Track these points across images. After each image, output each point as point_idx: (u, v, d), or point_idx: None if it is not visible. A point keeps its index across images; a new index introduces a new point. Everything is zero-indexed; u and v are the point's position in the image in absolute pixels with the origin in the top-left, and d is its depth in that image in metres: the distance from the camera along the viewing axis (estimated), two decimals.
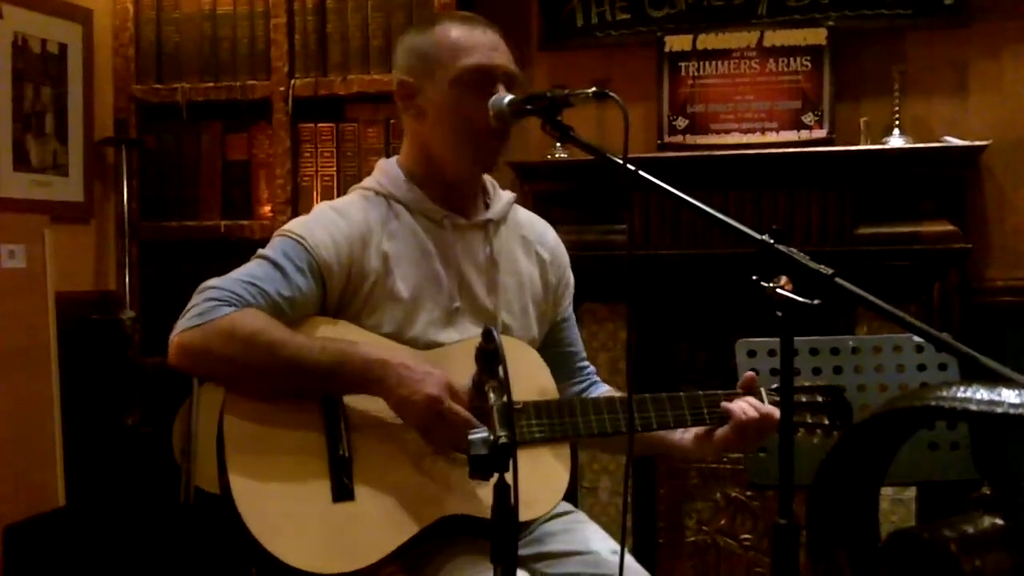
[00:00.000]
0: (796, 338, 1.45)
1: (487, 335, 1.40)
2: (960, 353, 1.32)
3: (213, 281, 1.75)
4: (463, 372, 1.60)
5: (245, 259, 1.83)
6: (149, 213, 3.55)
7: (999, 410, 1.04)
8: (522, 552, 1.84)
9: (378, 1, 3.39)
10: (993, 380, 1.14)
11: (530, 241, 2.05)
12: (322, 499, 1.70)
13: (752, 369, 2.08)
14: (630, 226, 3.32)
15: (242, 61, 3.49)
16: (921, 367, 2.15)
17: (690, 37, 3.38)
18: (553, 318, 2.07)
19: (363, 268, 1.83)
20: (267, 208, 3.48)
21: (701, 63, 3.37)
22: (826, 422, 1.88)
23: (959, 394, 1.07)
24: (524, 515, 1.72)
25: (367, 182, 1.96)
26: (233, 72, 3.50)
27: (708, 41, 3.37)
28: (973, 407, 1.05)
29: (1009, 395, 1.05)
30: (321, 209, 1.90)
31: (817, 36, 3.29)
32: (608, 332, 3.39)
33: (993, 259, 3.29)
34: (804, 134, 3.29)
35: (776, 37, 3.32)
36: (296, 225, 1.85)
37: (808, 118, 3.30)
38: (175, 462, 3.34)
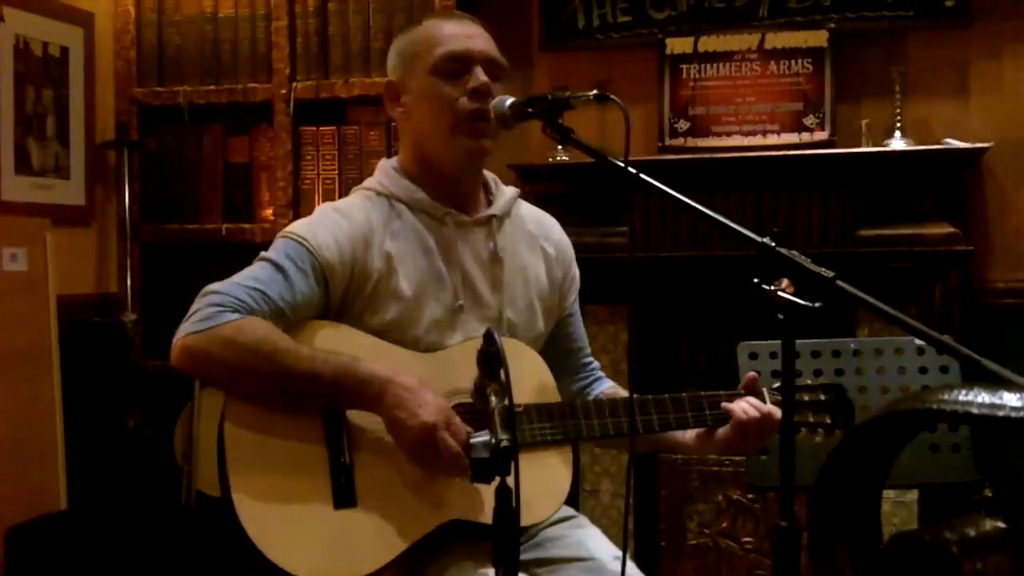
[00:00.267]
0: (797, 340, 1.45)
1: (488, 337, 1.40)
2: (961, 355, 1.32)
3: (216, 285, 1.75)
4: (465, 374, 1.60)
5: (246, 262, 1.82)
6: (150, 216, 3.55)
7: (1000, 413, 1.04)
8: (523, 556, 1.84)
9: (379, 3, 3.39)
10: (994, 383, 1.14)
11: (535, 236, 2.04)
12: (323, 505, 1.70)
13: (754, 371, 2.08)
14: (631, 228, 3.32)
15: (243, 63, 3.50)
16: (922, 369, 2.15)
17: (691, 39, 3.38)
18: (559, 313, 2.07)
19: (366, 268, 1.83)
20: (268, 211, 3.48)
21: (702, 65, 3.38)
22: (828, 421, 1.87)
23: (960, 397, 1.07)
24: (526, 519, 1.72)
25: (368, 182, 1.96)
26: (234, 75, 3.50)
27: (709, 43, 3.37)
28: (975, 410, 1.05)
29: (1011, 398, 1.04)
30: (323, 210, 1.90)
31: (818, 38, 3.29)
32: (609, 334, 3.39)
33: (994, 261, 3.29)
34: (805, 136, 3.29)
35: (777, 39, 3.33)
36: (298, 227, 1.85)
37: (809, 120, 3.30)
38: (176, 464, 3.35)
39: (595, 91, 1.66)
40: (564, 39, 3.54)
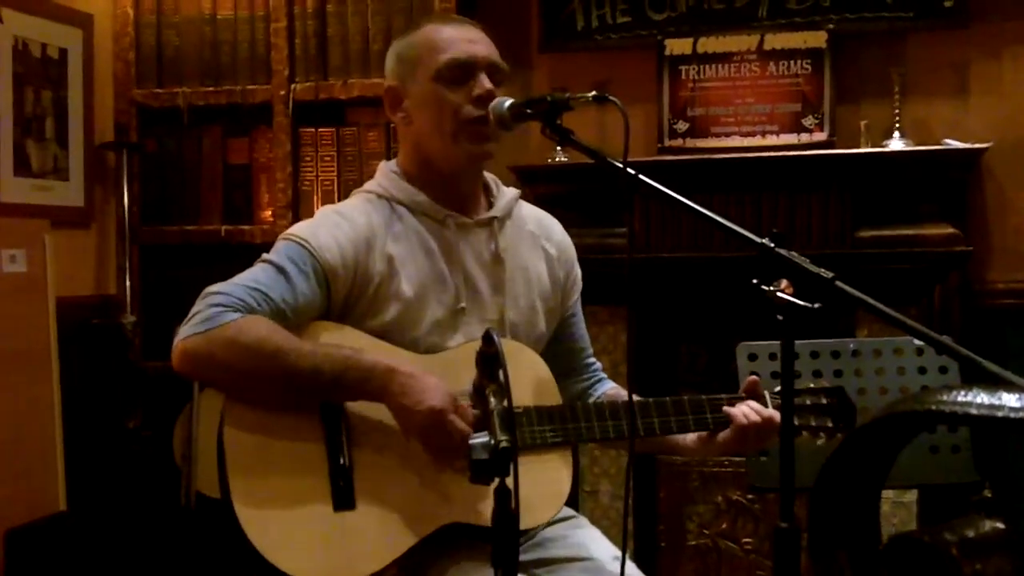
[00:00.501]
0: (797, 341, 1.46)
1: (487, 339, 1.40)
2: (961, 356, 1.32)
3: (217, 286, 1.74)
4: (465, 376, 1.60)
5: (246, 263, 1.82)
6: (150, 217, 3.55)
7: (1000, 414, 1.04)
8: (523, 557, 1.83)
9: (378, 5, 3.39)
10: (994, 383, 1.14)
11: (536, 236, 2.04)
12: (323, 508, 1.70)
13: (753, 372, 2.08)
14: (630, 229, 3.32)
15: (242, 65, 3.49)
16: (922, 370, 2.15)
17: (690, 40, 3.38)
18: (561, 314, 2.07)
19: (368, 271, 1.83)
20: (268, 212, 3.48)
21: (701, 66, 3.38)
22: (830, 424, 1.88)
23: (960, 398, 1.07)
24: (526, 522, 1.72)
25: (369, 185, 1.96)
26: (233, 76, 3.50)
27: (708, 44, 3.37)
28: (974, 411, 1.05)
29: (1010, 399, 1.04)
30: (324, 213, 1.90)
31: (817, 39, 3.29)
32: (609, 335, 3.39)
33: (994, 261, 3.29)
34: (804, 137, 3.29)
35: (776, 40, 3.33)
36: (300, 229, 1.85)
37: (808, 121, 3.30)
38: (176, 466, 3.35)
39: (594, 92, 1.66)
40: (563, 40, 3.54)
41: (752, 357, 2.13)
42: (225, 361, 1.68)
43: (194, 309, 1.73)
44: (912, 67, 3.30)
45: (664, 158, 3.35)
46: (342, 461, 1.72)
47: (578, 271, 2.11)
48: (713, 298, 3.31)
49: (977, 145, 3.12)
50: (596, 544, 1.92)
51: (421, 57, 1.88)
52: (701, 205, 1.59)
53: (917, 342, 2.14)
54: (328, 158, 3.44)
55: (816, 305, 1.42)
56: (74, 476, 3.20)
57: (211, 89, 3.50)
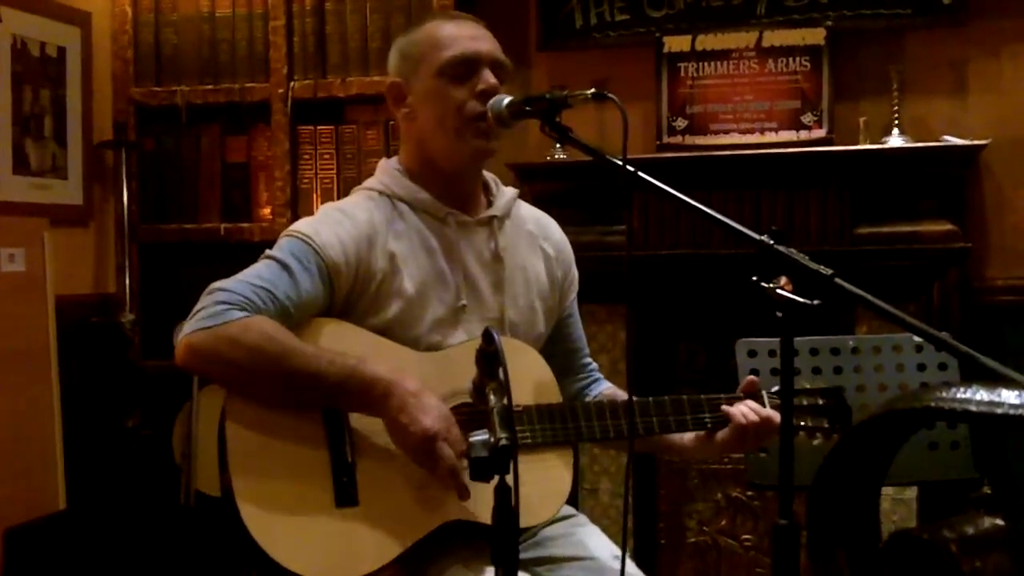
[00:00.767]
0: (796, 338, 1.45)
1: (487, 337, 1.40)
2: (960, 353, 1.32)
3: (222, 283, 1.74)
4: (465, 374, 1.60)
5: (245, 261, 1.82)
6: (148, 216, 3.54)
7: (999, 411, 1.04)
8: (523, 556, 1.84)
9: (377, 3, 3.39)
10: (993, 380, 1.14)
11: (535, 236, 2.04)
12: (325, 504, 1.70)
13: (752, 369, 2.08)
14: (629, 227, 3.32)
15: (241, 63, 3.49)
16: (921, 367, 2.15)
17: (689, 38, 3.38)
18: (559, 313, 2.07)
19: (370, 268, 1.83)
20: (267, 210, 3.48)
21: (700, 63, 3.37)
22: (826, 425, 1.88)
23: (959, 395, 1.07)
24: (526, 520, 1.73)
25: (370, 182, 1.96)
26: (232, 74, 3.50)
27: (707, 41, 3.37)
28: (973, 408, 1.05)
29: (1009, 395, 1.05)
30: (327, 210, 1.90)
31: (816, 36, 3.29)
32: (607, 333, 3.39)
33: (993, 258, 3.29)
34: (803, 134, 3.29)
35: (775, 37, 3.32)
36: (303, 225, 1.85)
37: (807, 118, 3.29)
38: (175, 465, 3.34)
39: (593, 90, 1.66)
40: (562, 38, 3.54)
41: (751, 354, 2.13)
42: (229, 358, 1.68)
43: (199, 305, 1.72)
44: (911, 64, 3.30)
45: (663, 155, 3.35)
46: (345, 458, 1.72)
47: (575, 271, 2.11)
48: (712, 295, 3.31)
49: (976, 142, 3.12)
50: (596, 542, 1.93)
51: (424, 54, 1.88)
52: (700, 202, 1.59)
53: (916, 339, 2.15)
54: (327, 156, 3.44)
55: (815, 302, 1.42)
56: (73, 475, 3.20)
57: (209, 87, 3.50)
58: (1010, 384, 1.08)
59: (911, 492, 3.14)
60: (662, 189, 1.61)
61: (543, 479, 1.82)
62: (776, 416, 1.80)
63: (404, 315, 1.84)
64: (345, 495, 1.71)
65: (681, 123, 3.39)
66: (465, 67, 1.85)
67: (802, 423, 1.87)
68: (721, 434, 1.86)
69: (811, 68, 3.29)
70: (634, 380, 3.19)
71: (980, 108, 3.28)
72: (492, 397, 1.37)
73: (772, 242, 1.48)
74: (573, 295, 2.11)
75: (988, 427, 2.82)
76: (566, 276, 2.08)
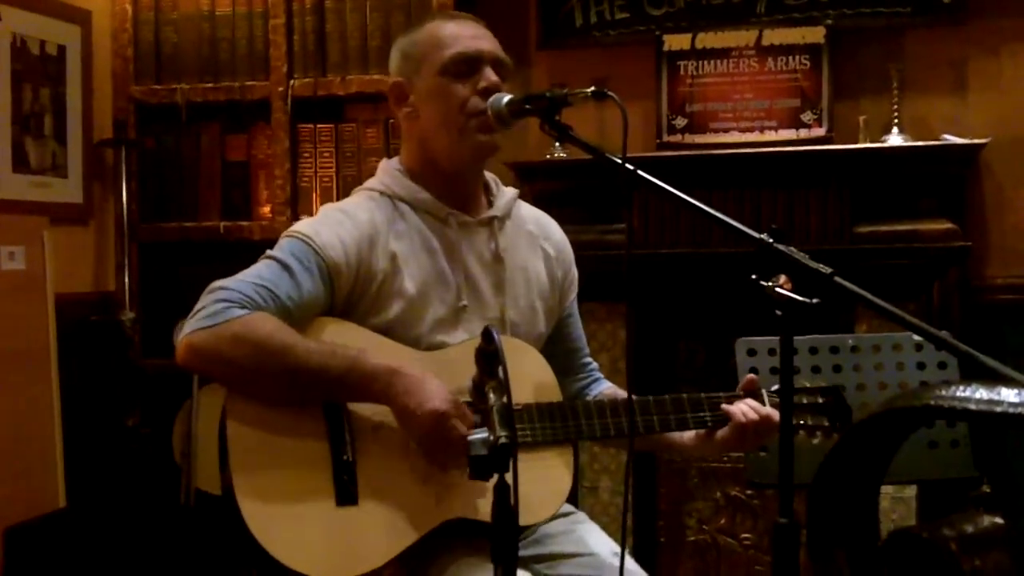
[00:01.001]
0: (795, 337, 1.46)
1: (487, 336, 1.40)
2: (959, 351, 1.32)
3: (223, 282, 1.74)
4: (465, 373, 1.61)
5: (245, 260, 1.82)
6: (148, 214, 3.54)
7: (998, 409, 1.04)
8: (523, 553, 1.84)
9: (376, 1, 3.39)
10: (992, 379, 1.14)
11: (535, 236, 2.05)
12: (326, 503, 1.70)
13: (752, 368, 2.08)
14: (629, 225, 3.32)
15: (241, 62, 3.49)
16: (920, 365, 2.15)
17: (689, 36, 3.38)
18: (559, 313, 2.07)
19: (371, 269, 1.83)
20: (266, 209, 3.48)
21: (700, 62, 3.37)
22: (826, 424, 1.89)
23: (958, 393, 1.07)
24: (526, 519, 1.73)
25: (371, 183, 1.96)
26: (232, 73, 3.49)
27: (707, 40, 3.37)
28: (972, 406, 1.05)
29: (1008, 394, 1.05)
30: (327, 210, 1.91)
31: (816, 35, 3.29)
32: (607, 332, 3.39)
33: (992, 257, 3.29)
34: (803, 133, 3.29)
35: (775, 36, 3.32)
36: (304, 226, 1.85)
37: (807, 117, 3.30)
38: (175, 463, 3.34)
39: (593, 88, 1.66)
40: (562, 37, 3.54)
41: (751, 353, 2.13)
42: (230, 357, 1.68)
43: (200, 304, 1.73)
44: (910, 63, 3.30)
45: (663, 154, 3.35)
46: (345, 456, 1.72)
47: (575, 271, 2.11)
48: (712, 294, 3.31)
49: (975, 141, 3.12)
50: (596, 539, 1.93)
51: (426, 53, 1.89)
52: (700, 201, 1.59)
53: (916, 338, 2.15)
54: (327, 154, 3.44)
55: (815, 301, 1.42)
56: (73, 473, 3.20)
57: (209, 86, 3.50)
58: (1009, 383, 1.08)
59: (911, 491, 3.14)
60: (662, 188, 1.61)
61: (543, 478, 1.82)
62: (776, 415, 1.80)
63: (405, 315, 1.84)
64: (346, 493, 1.71)
65: (681, 122, 3.39)
66: (467, 65, 1.86)
67: (802, 422, 1.88)
68: (721, 433, 1.86)
69: (811, 67, 3.29)
70: (634, 378, 3.19)
71: (980, 107, 3.28)
72: (492, 396, 1.37)
73: (772, 241, 1.48)
74: (573, 295, 2.11)
75: (987, 426, 2.82)
76: (566, 276, 2.08)
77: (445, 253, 1.89)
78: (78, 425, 3.29)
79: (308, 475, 1.71)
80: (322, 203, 2.06)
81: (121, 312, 3.47)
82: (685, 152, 3.33)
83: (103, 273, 3.61)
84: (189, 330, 1.70)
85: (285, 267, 1.77)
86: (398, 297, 1.84)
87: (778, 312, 1.44)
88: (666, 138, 3.38)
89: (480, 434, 1.33)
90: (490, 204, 1.99)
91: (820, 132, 3.27)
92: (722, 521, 3.44)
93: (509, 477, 1.27)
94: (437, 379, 1.73)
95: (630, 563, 1.84)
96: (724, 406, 1.86)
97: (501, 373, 1.35)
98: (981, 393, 1.06)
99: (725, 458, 3.38)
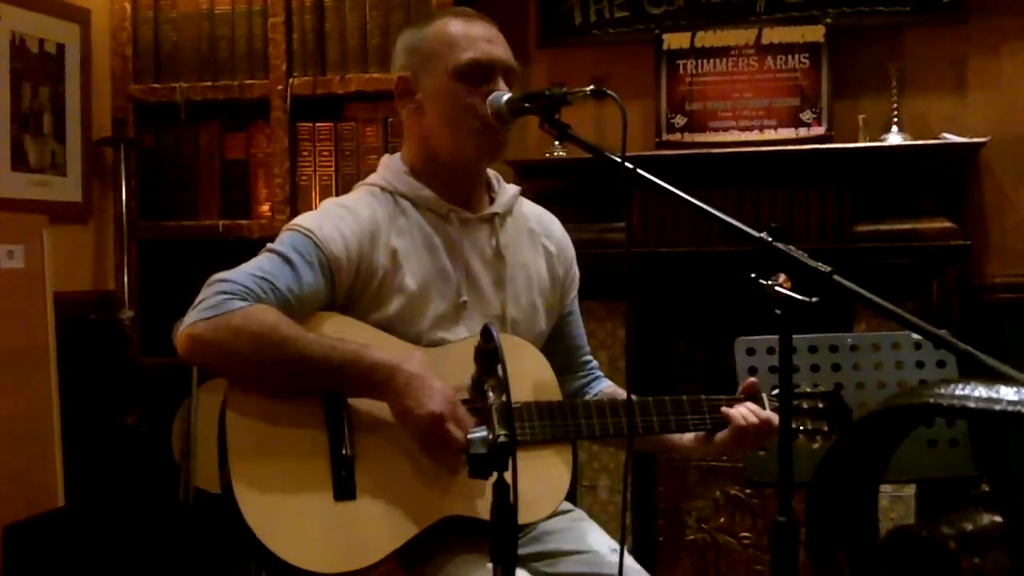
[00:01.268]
0: (795, 336, 1.45)
1: (486, 334, 1.40)
2: (958, 350, 1.32)
3: (224, 274, 1.75)
4: (466, 371, 1.61)
5: (244, 258, 1.82)
6: (147, 213, 3.55)
7: (998, 407, 1.04)
8: (522, 551, 1.84)
9: (376, 0, 3.39)
10: (992, 377, 1.14)
11: (536, 234, 2.05)
12: (324, 497, 1.70)
13: (751, 367, 2.08)
14: (628, 224, 3.32)
15: (240, 60, 3.49)
16: (919, 364, 2.15)
17: (688, 35, 3.37)
18: (560, 311, 2.07)
19: (372, 264, 1.83)
20: (266, 207, 3.48)
21: (699, 61, 3.37)
22: (826, 428, 1.88)
23: (957, 392, 1.07)
24: (525, 517, 1.73)
25: (372, 178, 1.96)
26: (231, 71, 3.49)
27: (706, 39, 3.37)
28: (972, 404, 1.05)
29: (1007, 392, 1.04)
30: (329, 205, 1.90)
31: (815, 33, 3.28)
32: (607, 331, 3.39)
33: (992, 256, 3.29)
34: (802, 131, 3.29)
35: (774, 34, 3.32)
36: (305, 220, 1.85)
37: (806, 115, 3.29)
38: (174, 462, 3.34)
39: (592, 87, 1.66)
40: (561, 35, 3.54)
41: (750, 352, 2.13)
42: (231, 348, 1.68)
43: (200, 296, 1.73)
44: (910, 62, 3.29)
45: (662, 153, 3.35)
46: (344, 451, 1.72)
47: (576, 269, 2.11)
48: (711, 293, 3.31)
49: (975, 140, 3.12)
50: (595, 536, 1.93)
51: (436, 51, 1.88)
52: (699, 200, 1.59)
53: (915, 336, 2.15)
54: (326, 153, 3.44)
55: (814, 299, 1.42)
56: (72, 472, 3.20)
57: (208, 84, 3.50)
58: (1009, 381, 1.08)
59: (910, 489, 3.14)
60: (661, 186, 1.61)
61: (542, 476, 1.82)
62: (775, 418, 1.80)
63: (406, 311, 1.84)
64: (344, 489, 1.71)
65: (680, 120, 3.38)
66: (481, 72, 1.84)
67: (802, 427, 1.87)
68: (720, 435, 1.86)
69: (810, 65, 3.29)
70: (633, 377, 3.19)
71: (979, 106, 3.28)
72: (491, 394, 1.37)
73: (771, 239, 1.48)
74: (574, 293, 2.11)
75: (987, 424, 2.82)
76: (567, 274, 2.08)
77: (446, 249, 1.89)
78: (77, 424, 3.29)
79: (306, 469, 1.71)
80: (324, 200, 2.06)
81: (120, 311, 3.47)
82: (684, 151, 3.33)
83: (102, 272, 3.61)
84: (190, 321, 1.70)
85: (286, 260, 1.77)
86: (399, 293, 1.84)
87: (777, 311, 1.44)
88: (665, 137, 3.38)
89: (479, 432, 1.33)
90: (492, 201, 1.99)
91: (819, 131, 3.27)
92: (721, 520, 3.44)
93: (508, 475, 1.27)
94: (438, 378, 1.73)
95: (629, 560, 1.84)
96: (724, 410, 1.85)
97: (500, 371, 1.35)
98: (980, 391, 1.06)
99: (725, 457, 3.37)
